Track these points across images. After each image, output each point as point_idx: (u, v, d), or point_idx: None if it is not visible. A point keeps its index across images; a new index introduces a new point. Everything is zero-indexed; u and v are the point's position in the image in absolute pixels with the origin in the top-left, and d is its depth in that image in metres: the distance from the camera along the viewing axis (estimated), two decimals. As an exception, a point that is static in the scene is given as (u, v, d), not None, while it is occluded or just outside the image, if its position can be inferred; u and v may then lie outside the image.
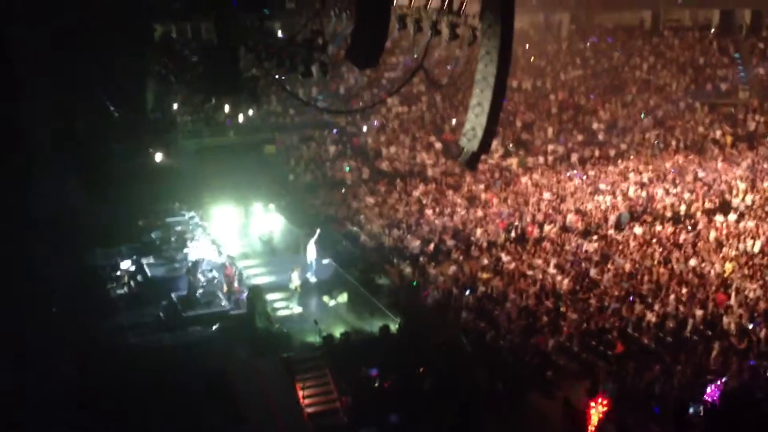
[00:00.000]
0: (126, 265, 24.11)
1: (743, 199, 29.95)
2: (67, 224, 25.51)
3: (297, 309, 22.80)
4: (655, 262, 25.05)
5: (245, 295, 22.24)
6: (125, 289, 23.29)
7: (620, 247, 26.38)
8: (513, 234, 27.80)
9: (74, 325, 20.65)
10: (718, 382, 18.37)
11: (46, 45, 21.89)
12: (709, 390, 17.99)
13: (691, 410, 17.64)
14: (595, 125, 39.36)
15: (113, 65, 24.35)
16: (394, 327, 21.23)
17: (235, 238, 27.29)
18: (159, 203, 27.95)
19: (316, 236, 24.53)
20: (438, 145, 36.98)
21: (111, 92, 25.26)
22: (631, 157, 36.35)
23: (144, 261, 24.76)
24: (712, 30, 46.20)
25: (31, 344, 19.15)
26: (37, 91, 21.64)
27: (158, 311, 21.84)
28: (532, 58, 45.42)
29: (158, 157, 25.67)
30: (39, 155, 23.31)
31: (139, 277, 23.85)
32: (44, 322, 20.41)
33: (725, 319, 21.38)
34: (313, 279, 24.24)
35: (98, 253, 25.15)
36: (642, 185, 32.00)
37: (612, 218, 28.81)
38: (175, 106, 29.03)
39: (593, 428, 17.64)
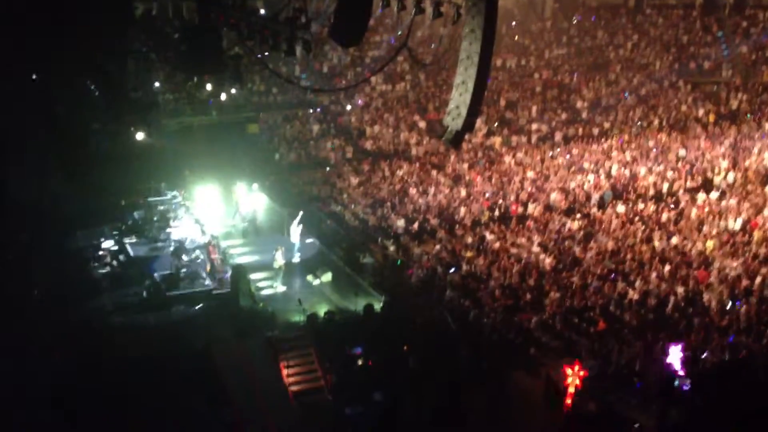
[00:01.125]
0: (108, 245, 23.97)
1: (725, 177, 30.12)
2: (48, 206, 25.34)
3: (281, 288, 22.80)
4: (638, 240, 25.20)
5: (229, 274, 22.20)
6: (108, 269, 23.14)
7: (603, 226, 26.52)
8: (497, 213, 27.87)
9: (56, 306, 20.56)
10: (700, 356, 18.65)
11: (20, 22, 21.55)
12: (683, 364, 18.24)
13: (676, 383, 17.84)
14: (578, 104, 39.41)
15: (93, 44, 24.04)
16: (378, 306, 21.28)
17: (219, 217, 27.18)
18: (141, 183, 27.72)
19: (299, 218, 24.46)
20: (422, 124, 36.93)
21: (91, 71, 24.96)
22: (614, 135, 36.44)
23: (126, 241, 24.62)
24: (696, 8, 46.20)
25: (12, 329, 19.09)
26: (12, 71, 21.32)
27: (141, 291, 21.74)
28: (516, 36, 45.33)
29: (140, 136, 25.38)
30: (16, 138, 23.06)
31: (121, 257, 23.71)
32: (26, 306, 20.32)
33: (706, 296, 21.58)
34: (297, 260, 24.19)
35: (80, 234, 24.96)
36: (625, 164, 32.12)
37: (595, 197, 28.93)
38: (157, 84, 28.78)
39: (571, 401, 17.81)
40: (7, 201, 23.13)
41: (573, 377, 17.61)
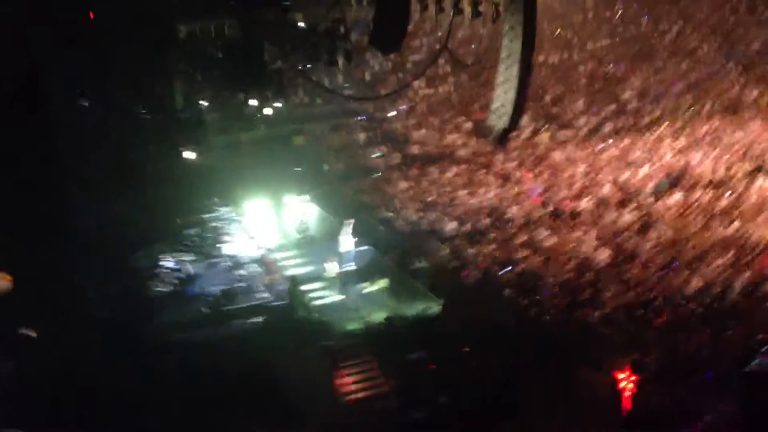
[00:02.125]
0: (166, 263, 24.36)
1: (784, 159, 29.29)
2: (109, 234, 25.88)
3: (337, 297, 22.85)
4: (697, 228, 24.64)
5: (284, 286, 22.37)
6: (167, 287, 23.52)
7: (660, 215, 25.99)
8: (549, 209, 27.52)
9: (120, 327, 20.94)
10: None
11: (72, 53, 22.13)
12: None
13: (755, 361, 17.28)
14: (626, 94, 38.70)
15: (141, 68, 24.59)
16: (436, 309, 21.19)
17: (271, 230, 27.40)
18: (194, 201, 28.16)
19: (351, 227, 24.43)
20: (467, 125, 36.67)
21: (140, 95, 25.53)
22: (666, 123, 35.69)
23: (184, 258, 24.98)
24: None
25: (79, 350, 19.49)
26: (67, 100, 21.91)
27: (200, 307, 22.03)
28: (558, 30, 44.78)
29: (190, 155, 25.83)
30: (76, 165, 23.63)
31: (179, 275, 24.08)
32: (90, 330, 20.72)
33: (769, 282, 21.01)
34: (349, 268, 24.12)
35: (139, 254, 25.42)
36: (678, 151, 31.43)
37: (650, 186, 28.37)
38: (204, 103, 29.25)
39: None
40: (71, 226, 23.67)
41: (626, 382, 17.23)
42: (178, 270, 24.28)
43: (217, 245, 25.63)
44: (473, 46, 40.36)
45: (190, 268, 24.47)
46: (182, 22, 29.88)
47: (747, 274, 21.41)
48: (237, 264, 24.08)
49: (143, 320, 21.67)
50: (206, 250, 25.53)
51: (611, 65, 41.44)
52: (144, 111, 25.48)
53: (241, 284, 22.74)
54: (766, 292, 20.89)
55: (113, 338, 20.23)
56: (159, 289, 23.35)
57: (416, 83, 38.65)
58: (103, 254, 24.52)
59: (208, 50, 29.10)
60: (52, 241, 21.02)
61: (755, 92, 37.31)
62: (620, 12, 45.57)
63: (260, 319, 21.54)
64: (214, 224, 27.15)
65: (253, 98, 29.28)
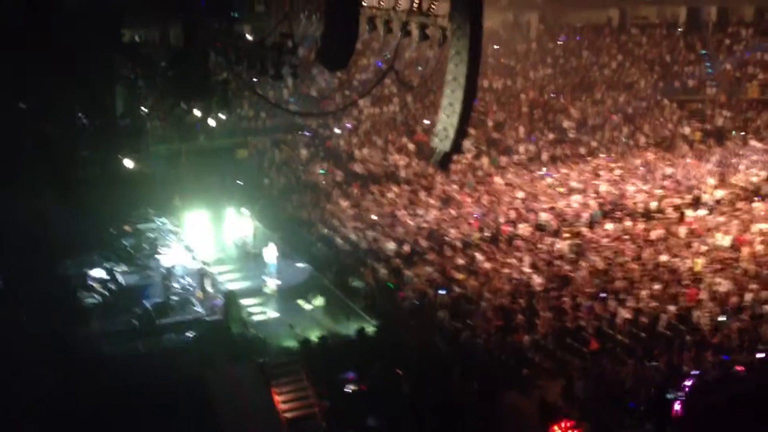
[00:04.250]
0: (98, 273, 23.81)
1: (713, 195, 30.33)
2: (36, 234, 25.17)
3: (273, 314, 22.69)
4: (628, 259, 25.28)
5: (220, 301, 22.11)
6: (97, 297, 22.97)
7: (593, 245, 26.59)
8: (487, 233, 27.89)
9: (46, 336, 20.39)
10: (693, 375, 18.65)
11: (10, 47, 21.56)
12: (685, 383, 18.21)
13: (669, 395, 17.80)
14: (565, 123, 39.64)
15: (81, 71, 24.08)
16: (370, 330, 21.21)
17: (209, 243, 27.07)
18: (130, 210, 27.60)
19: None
20: (411, 146, 37.03)
21: (79, 98, 24.98)
22: (602, 154, 36.64)
23: (116, 268, 24.44)
24: (679, 26, 46.74)
25: (2, 358, 18.94)
26: (1, 97, 21.32)
27: (132, 319, 21.59)
28: (502, 57, 45.65)
29: (128, 163, 25.32)
30: (4, 163, 22.97)
31: (111, 285, 23.53)
32: (14, 335, 20.13)
33: (696, 314, 21.64)
34: (275, 282, 24.03)
35: (69, 263, 24.79)
36: (613, 182, 32.28)
37: (584, 216, 29.02)
38: (145, 110, 28.77)
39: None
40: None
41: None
42: (109, 280, 23.73)
43: (152, 256, 25.15)
44: (420, 68, 40.81)
45: (122, 279, 23.97)
46: (127, 26, 29.40)
47: (674, 306, 22.01)
48: (172, 276, 23.67)
49: (69, 329, 21.14)
50: (140, 261, 25.02)
51: (552, 95, 42.45)
52: (82, 114, 24.91)
53: (175, 297, 22.34)
54: (692, 323, 21.52)
55: (37, 345, 19.71)
56: (88, 298, 22.78)
57: (362, 102, 38.88)
58: (28, 256, 23.89)
59: (152, 56, 28.67)
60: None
61: (688, 128, 38.68)
62: (563, 44, 46.76)
63: (193, 333, 21.20)
64: (149, 234, 26.64)
65: (196, 108, 28.96)
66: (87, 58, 23.18)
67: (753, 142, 36.37)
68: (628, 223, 28.46)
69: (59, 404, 17.52)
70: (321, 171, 34.46)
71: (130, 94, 27.49)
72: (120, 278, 23.99)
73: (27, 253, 23.90)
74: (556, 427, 17.51)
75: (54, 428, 17.05)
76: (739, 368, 19.14)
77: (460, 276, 24.45)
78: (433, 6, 17.68)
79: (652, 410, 17.85)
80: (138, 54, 26.55)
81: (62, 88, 23.38)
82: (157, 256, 25.07)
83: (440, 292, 23.29)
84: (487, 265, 25.14)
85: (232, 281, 24.57)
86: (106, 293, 23.15)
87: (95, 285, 23.21)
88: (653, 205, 30.01)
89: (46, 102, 22.72)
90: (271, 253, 24.44)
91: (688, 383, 18.35)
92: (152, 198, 28.42)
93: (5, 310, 21.23)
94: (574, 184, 32.30)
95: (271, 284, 23.07)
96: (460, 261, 25.65)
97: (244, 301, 22.62)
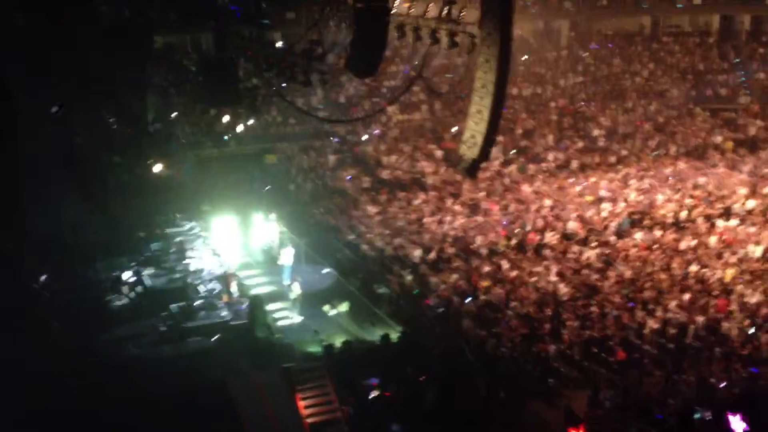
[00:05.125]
0: (126, 276, 24.09)
1: (744, 204, 29.88)
2: (68, 239, 25.57)
3: (298, 319, 22.78)
4: (656, 268, 24.99)
5: (246, 305, 22.24)
6: (126, 300, 23.24)
7: (621, 254, 26.32)
8: (514, 241, 27.74)
9: (74, 338, 20.67)
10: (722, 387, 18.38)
11: (44, 58, 21.98)
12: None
13: (697, 416, 17.56)
14: (595, 132, 39.31)
15: (113, 78, 24.47)
16: (395, 336, 21.19)
17: (236, 248, 27.26)
18: (159, 215, 27.93)
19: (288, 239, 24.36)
20: (438, 153, 36.95)
21: (111, 105, 25.36)
22: (632, 163, 36.26)
23: (144, 272, 24.72)
24: (712, 35, 46.21)
25: (32, 359, 19.22)
26: (35, 105, 21.72)
27: (158, 322, 21.80)
28: (532, 65, 45.43)
29: (158, 168, 25.62)
30: (37, 171, 23.38)
31: (139, 289, 23.81)
32: (44, 338, 20.43)
33: (725, 325, 21.32)
34: (287, 282, 24.15)
35: (99, 266, 25.13)
36: (643, 191, 31.93)
37: (613, 225, 28.75)
38: (175, 116, 29.11)
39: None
40: (27, 231, 23.37)
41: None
42: (138, 284, 24.00)
43: (180, 260, 25.39)
44: (448, 75, 40.74)
45: (149, 282, 24.22)
46: (159, 34, 29.79)
47: (703, 316, 21.71)
48: (199, 280, 23.89)
49: (98, 332, 21.40)
50: (168, 265, 25.27)
51: (582, 103, 42.12)
52: (115, 121, 25.28)
53: (201, 301, 22.52)
54: (722, 334, 21.21)
55: (65, 349, 19.98)
56: (116, 301, 23.04)
57: (390, 109, 38.88)
58: (58, 262, 24.27)
59: (183, 63, 29.03)
60: (2, 244, 20.78)
61: (720, 137, 38.15)
62: (594, 51, 46.42)
63: (219, 337, 21.35)
64: (178, 239, 26.91)
65: (226, 114, 29.22)
66: (118, 65, 23.58)
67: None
68: (657, 233, 28.13)
69: (85, 408, 17.72)
70: (348, 177, 34.51)
71: (161, 101, 27.85)
72: (147, 281, 24.27)
73: (58, 258, 24.32)
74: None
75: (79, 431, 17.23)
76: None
77: (486, 284, 24.33)
78: (462, 13, 17.64)
79: (679, 423, 17.59)
80: (169, 61, 26.91)
81: (95, 96, 23.79)
82: (184, 260, 25.30)
83: (466, 299, 23.20)
84: (514, 274, 24.99)
85: (257, 286, 24.74)
86: (134, 296, 23.44)
87: (123, 288, 23.50)
88: (683, 214, 29.62)
89: (78, 110, 23.12)
90: (288, 256, 24.58)
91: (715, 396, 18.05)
92: (181, 203, 28.75)
93: (36, 314, 21.56)
94: (603, 192, 32.00)
95: (296, 289, 23.15)
96: (487, 269, 25.53)
97: (269, 306, 22.78)
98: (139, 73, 25.72)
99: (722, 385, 18.62)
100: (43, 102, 20.96)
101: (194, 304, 22.35)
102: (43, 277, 23.09)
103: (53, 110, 19.96)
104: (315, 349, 20.71)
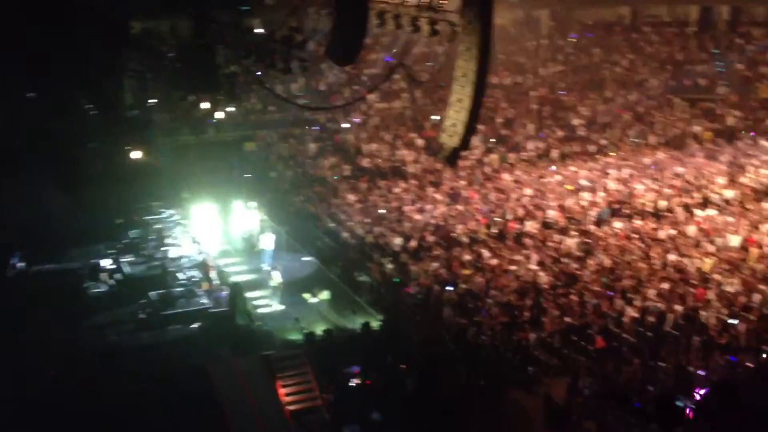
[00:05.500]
0: (104, 263, 23.87)
1: (722, 194, 30.13)
2: (43, 224, 25.26)
3: (278, 306, 22.71)
4: (635, 257, 25.15)
5: (225, 292, 22.13)
6: (104, 288, 23.03)
7: (600, 243, 26.46)
8: (494, 230, 27.80)
9: (52, 326, 20.47)
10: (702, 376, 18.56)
11: (17, 41, 21.61)
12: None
13: (677, 403, 17.72)
14: (575, 121, 39.44)
15: (89, 63, 24.13)
16: (375, 324, 21.19)
17: (215, 235, 27.10)
18: (138, 202, 27.67)
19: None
20: (419, 142, 36.93)
21: (87, 91, 25.04)
22: (611, 152, 36.44)
23: (123, 259, 24.51)
24: (691, 25, 46.44)
25: (8, 347, 19.02)
26: (10, 89, 21.39)
27: (137, 310, 21.63)
28: (512, 54, 45.45)
29: (136, 155, 25.37)
30: (10, 155, 23.06)
31: (117, 276, 23.60)
32: (20, 326, 20.23)
33: (704, 314, 21.51)
34: (267, 267, 24.14)
35: (75, 253, 24.88)
36: (622, 181, 32.10)
37: (593, 214, 28.89)
38: (153, 102, 28.79)
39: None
40: (3, 218, 23.09)
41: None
42: (116, 271, 23.79)
43: (159, 248, 25.19)
44: (429, 64, 40.67)
45: (128, 269, 24.01)
46: (135, 19, 29.40)
47: (682, 305, 21.89)
48: (178, 268, 23.72)
49: (75, 320, 21.21)
50: (146, 253, 25.07)
51: (562, 92, 42.23)
52: (91, 107, 24.96)
53: (180, 289, 22.37)
54: (700, 323, 21.39)
55: (43, 336, 19.79)
56: (94, 289, 22.82)
57: (370, 97, 38.75)
58: (35, 248, 24.00)
59: (160, 49, 28.68)
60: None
61: (698, 127, 38.41)
62: (573, 41, 46.53)
63: (198, 325, 21.24)
64: (157, 226, 26.70)
65: (205, 101, 28.93)
66: (95, 50, 23.25)
67: (763, 142, 36.06)
68: (636, 222, 28.31)
69: (64, 395, 17.58)
70: (328, 165, 34.37)
71: (138, 87, 27.52)
72: (126, 269, 24.07)
73: (34, 245, 24.05)
74: None
75: (59, 419, 17.08)
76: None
77: (466, 272, 24.38)
78: (443, 2, 17.56)
79: (657, 410, 17.74)
80: (147, 46, 26.58)
81: (69, 80, 23.45)
82: (163, 247, 25.11)
83: (446, 288, 23.22)
84: (494, 262, 25.05)
85: (237, 274, 24.63)
86: (112, 284, 23.24)
87: (102, 275, 23.29)
88: (662, 204, 29.83)
89: (53, 95, 22.81)
90: (268, 241, 24.55)
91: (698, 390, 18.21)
92: (160, 190, 28.50)
93: (12, 301, 21.35)
94: (582, 181, 32.13)
95: (276, 277, 23.06)
96: (467, 257, 25.57)
97: (249, 294, 22.70)
98: (116, 57, 25.38)
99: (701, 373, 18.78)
100: (13, 82, 20.65)
101: (174, 291, 22.19)
102: (17, 263, 22.85)
103: (28, 95, 19.68)
104: (296, 336, 20.67)
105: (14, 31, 21.14)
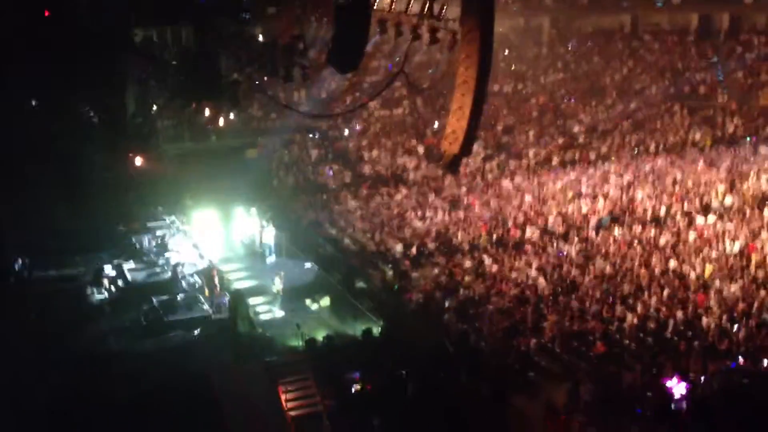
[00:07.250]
0: (107, 270, 23.96)
1: (722, 201, 30.18)
2: (47, 232, 25.38)
3: (279, 313, 22.77)
4: (636, 264, 25.20)
5: (227, 299, 22.19)
6: (106, 294, 23.12)
7: (601, 249, 26.51)
8: (495, 237, 27.87)
9: (54, 332, 20.54)
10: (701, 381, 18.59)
11: (20, 50, 21.70)
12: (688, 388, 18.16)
13: (673, 406, 17.77)
14: (575, 128, 39.58)
15: (92, 71, 24.24)
16: (376, 330, 21.25)
17: (217, 242, 27.19)
18: (140, 208, 27.79)
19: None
20: (420, 149, 37.08)
21: (90, 98, 25.14)
22: (612, 159, 36.54)
23: (125, 266, 24.60)
24: (691, 33, 46.63)
25: (10, 353, 19.07)
26: (12, 97, 21.48)
27: (139, 316, 21.71)
28: (513, 61, 45.66)
29: (139, 162, 25.50)
30: (14, 164, 23.14)
31: (120, 282, 23.70)
32: (23, 333, 20.29)
33: (704, 320, 21.55)
34: (270, 261, 24.61)
35: (78, 260, 24.97)
36: (622, 188, 32.17)
37: (593, 220, 28.95)
38: (156, 109, 28.91)
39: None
40: (5, 226, 23.18)
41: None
42: (119, 277, 23.88)
43: (161, 255, 25.29)
44: (430, 71, 40.86)
45: (130, 276, 24.10)
46: (138, 26, 29.54)
47: (682, 312, 21.93)
48: (180, 275, 23.80)
49: (78, 326, 21.28)
50: (149, 259, 25.17)
51: (562, 99, 42.40)
52: (93, 115, 25.07)
53: (182, 295, 22.45)
54: (700, 329, 21.42)
55: (45, 343, 19.85)
56: (97, 295, 22.91)
57: (372, 104, 38.98)
58: (38, 255, 24.08)
59: (163, 57, 28.79)
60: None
61: (699, 134, 38.53)
62: (574, 49, 46.73)
63: (200, 331, 21.31)
64: (159, 233, 26.80)
65: (207, 108, 29.05)
66: (98, 57, 23.34)
67: (763, 149, 36.17)
68: (637, 229, 28.35)
69: (65, 401, 17.62)
70: (329, 172, 34.49)
71: (141, 94, 27.64)
72: (128, 275, 24.16)
73: (37, 252, 24.13)
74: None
75: (61, 426, 17.13)
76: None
77: (467, 278, 24.44)
78: (444, 10, 17.68)
79: (658, 416, 17.78)
80: (149, 54, 26.67)
81: (73, 87, 23.54)
82: (166, 254, 25.20)
83: (447, 294, 23.28)
84: (495, 269, 25.13)
85: (239, 280, 24.70)
86: (114, 290, 23.33)
87: (104, 282, 23.38)
88: (663, 210, 29.88)
89: (56, 103, 22.90)
90: (269, 235, 25.08)
91: (695, 390, 18.26)
92: (162, 197, 28.62)
93: (14, 307, 21.40)
94: (583, 189, 32.20)
95: (277, 283, 23.16)
96: (468, 264, 25.64)
97: (251, 300, 22.76)
98: (119, 65, 25.50)
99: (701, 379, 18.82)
100: (17, 90, 20.75)
101: (176, 298, 22.26)
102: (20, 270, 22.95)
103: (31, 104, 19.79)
104: (297, 343, 20.72)
105: (17, 38, 21.25)
